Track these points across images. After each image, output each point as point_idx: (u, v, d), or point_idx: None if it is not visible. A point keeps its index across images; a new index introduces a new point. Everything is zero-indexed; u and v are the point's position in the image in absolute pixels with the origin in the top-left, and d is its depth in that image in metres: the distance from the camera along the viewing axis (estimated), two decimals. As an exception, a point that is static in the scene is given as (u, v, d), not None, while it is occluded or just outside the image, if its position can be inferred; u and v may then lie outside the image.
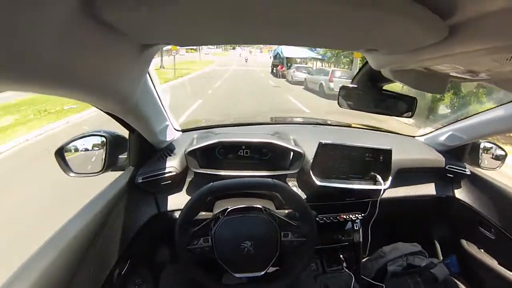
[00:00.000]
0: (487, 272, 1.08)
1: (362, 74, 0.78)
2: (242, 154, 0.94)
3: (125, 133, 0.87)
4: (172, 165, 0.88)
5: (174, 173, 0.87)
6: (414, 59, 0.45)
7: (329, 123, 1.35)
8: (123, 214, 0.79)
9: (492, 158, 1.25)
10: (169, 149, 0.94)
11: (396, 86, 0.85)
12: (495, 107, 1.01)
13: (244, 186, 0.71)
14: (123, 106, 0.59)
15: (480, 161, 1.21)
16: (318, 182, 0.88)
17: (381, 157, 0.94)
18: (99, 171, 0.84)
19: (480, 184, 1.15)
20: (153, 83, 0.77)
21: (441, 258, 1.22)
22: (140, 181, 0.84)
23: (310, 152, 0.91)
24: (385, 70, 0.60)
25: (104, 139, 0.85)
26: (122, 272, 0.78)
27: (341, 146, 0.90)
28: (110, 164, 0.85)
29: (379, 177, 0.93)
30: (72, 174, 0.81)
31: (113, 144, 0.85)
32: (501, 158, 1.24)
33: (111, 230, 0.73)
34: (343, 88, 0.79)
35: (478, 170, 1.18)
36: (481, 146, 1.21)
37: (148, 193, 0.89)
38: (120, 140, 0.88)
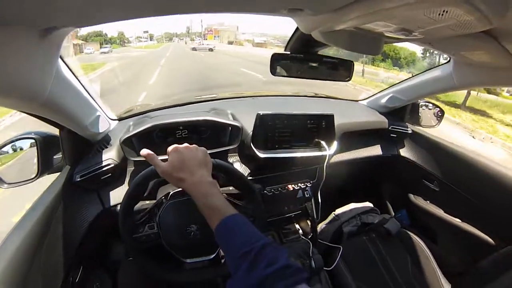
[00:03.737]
0: (435, 220, 1.17)
1: (294, 40, 0.76)
2: (181, 135, 0.90)
3: (57, 131, 0.80)
4: (109, 157, 0.83)
5: (112, 165, 0.82)
6: (341, 19, 0.44)
7: (267, 94, 1.35)
8: (66, 217, 0.73)
9: (431, 117, 1.35)
10: (105, 141, 0.88)
11: (332, 51, 0.85)
12: (431, 68, 1.07)
13: None
14: (34, 102, 0.53)
15: (420, 120, 1.30)
16: (260, 154, 0.87)
17: (323, 123, 0.96)
18: (34, 177, 0.76)
19: (421, 142, 1.23)
20: (72, 72, 0.70)
21: (393, 213, 1.30)
22: (79, 179, 0.78)
23: (249, 125, 0.89)
24: (315, 32, 0.58)
25: (33, 141, 0.77)
26: (77, 279, 0.73)
27: (280, 116, 0.89)
28: (45, 167, 0.78)
29: (323, 143, 0.94)
30: (5, 186, 0.73)
31: (44, 145, 0.77)
32: (439, 117, 1.34)
33: (56, 237, 0.67)
34: (275, 55, 0.77)
35: (418, 129, 1.27)
36: (420, 106, 1.29)
37: (90, 190, 0.82)
38: (52, 139, 0.80)
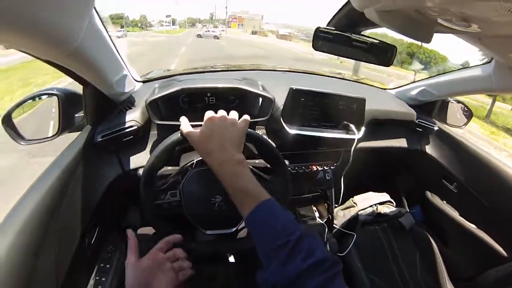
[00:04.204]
0: (448, 222, 1.15)
1: (341, 16, 0.72)
2: (208, 102, 0.87)
3: (80, 89, 0.77)
4: (133, 118, 0.80)
5: (135, 127, 0.79)
6: None
7: (298, 70, 1.30)
8: (85, 178, 0.71)
9: (459, 116, 1.31)
10: (129, 102, 0.85)
11: (375, 35, 0.81)
12: (472, 66, 1.02)
13: None
14: (64, 50, 0.49)
15: (447, 118, 1.26)
16: (289, 130, 0.84)
17: (354, 106, 0.92)
18: (54, 135, 0.74)
19: (446, 140, 1.19)
20: (103, 25, 0.66)
21: (407, 208, 1.28)
22: (100, 139, 0.76)
23: (280, 99, 0.85)
24: (369, 10, 0.54)
25: (56, 97, 0.74)
26: (92, 241, 0.72)
27: (313, 93, 0.86)
28: (65, 125, 0.75)
29: (352, 126, 0.91)
30: (23, 142, 0.71)
31: (66, 102, 0.75)
32: (467, 117, 1.29)
33: (74, 197, 0.66)
34: (319, 30, 0.73)
35: (445, 127, 1.23)
36: (450, 103, 1.25)
37: (111, 152, 0.80)
38: (75, 97, 0.78)
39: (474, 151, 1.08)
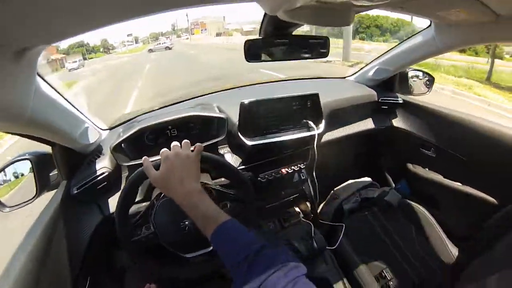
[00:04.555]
0: (435, 187, 1.16)
1: (265, 24, 0.75)
2: (170, 135, 0.90)
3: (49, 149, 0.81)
4: (103, 165, 0.83)
5: (106, 173, 0.82)
6: None
7: (251, 83, 1.33)
8: (68, 230, 0.74)
9: (421, 84, 1.33)
10: (97, 151, 0.88)
11: (307, 28, 0.83)
12: (414, 34, 1.05)
13: None
14: (18, 122, 0.53)
15: (411, 89, 1.28)
16: (248, 142, 0.86)
17: (308, 103, 0.94)
18: (34, 197, 0.77)
19: (413, 110, 1.21)
20: (53, 88, 0.70)
21: (393, 185, 1.29)
22: (76, 191, 0.78)
23: (236, 115, 0.89)
24: (280, 13, 0.57)
25: (29, 161, 0.77)
26: None
27: (263, 101, 0.88)
28: (43, 185, 0.79)
29: (311, 123, 0.93)
30: (7, 210, 0.74)
31: (40, 164, 0.78)
32: (430, 83, 1.32)
33: (60, 251, 0.68)
34: (248, 42, 0.75)
35: (410, 98, 1.24)
36: (409, 74, 1.27)
37: (89, 202, 0.83)
38: (46, 157, 0.81)
39: (442, 112, 1.10)
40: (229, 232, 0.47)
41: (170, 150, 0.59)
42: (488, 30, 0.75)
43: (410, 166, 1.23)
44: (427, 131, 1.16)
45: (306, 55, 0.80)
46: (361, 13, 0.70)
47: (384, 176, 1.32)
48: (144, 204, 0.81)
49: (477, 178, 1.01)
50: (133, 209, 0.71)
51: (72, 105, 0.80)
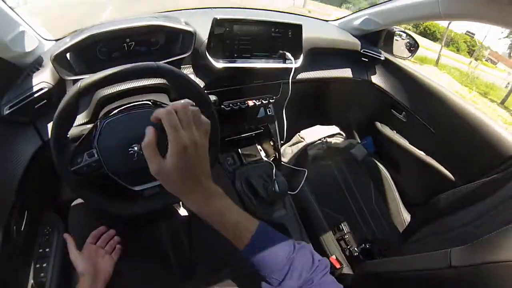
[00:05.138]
0: (399, 150, 1.19)
1: None
2: (128, 49, 0.76)
3: None
4: (42, 79, 0.67)
5: (46, 89, 0.66)
6: None
7: (232, 6, 1.20)
8: None
9: (405, 47, 1.30)
10: (37, 63, 0.71)
11: None
12: None
13: (118, 74, 0.53)
14: None
15: (393, 49, 1.24)
16: (216, 64, 0.76)
17: (290, 33, 0.86)
18: None
19: (393, 70, 1.18)
20: None
21: (358, 139, 1.30)
22: (8, 111, 0.63)
23: (205, 34, 0.77)
24: None
25: None
26: (22, 228, 0.65)
27: (239, 20, 0.78)
28: None
29: (289, 55, 0.86)
30: None
31: None
32: (413, 49, 1.29)
33: None
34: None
35: (391, 57, 1.21)
36: (396, 34, 1.22)
37: (24, 124, 0.69)
38: None
39: (421, 79, 1.08)
40: (266, 238, 0.43)
41: None
42: (497, 8, 0.69)
43: (378, 124, 1.24)
44: (403, 94, 1.15)
45: None
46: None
47: (350, 129, 1.32)
48: (89, 126, 0.69)
49: (440, 152, 1.04)
50: (74, 131, 0.59)
51: (5, 2, 0.62)
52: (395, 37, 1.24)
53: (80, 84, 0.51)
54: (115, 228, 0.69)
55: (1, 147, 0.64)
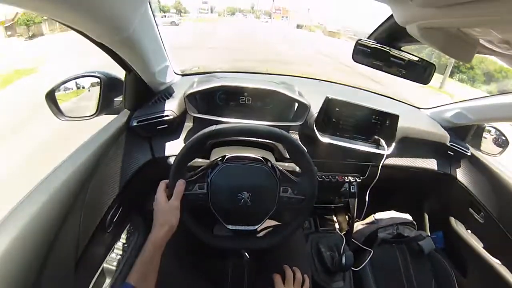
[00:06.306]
0: (470, 253, 1.10)
1: (383, 30, 0.73)
2: (244, 102, 0.89)
3: (122, 75, 0.81)
4: (170, 108, 0.82)
5: (171, 117, 0.82)
6: (447, 15, 0.39)
7: (334, 81, 1.29)
8: (116, 158, 0.75)
9: (494, 144, 1.24)
10: (168, 92, 0.88)
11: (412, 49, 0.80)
12: (510, 92, 0.98)
13: (249, 132, 0.63)
14: (117, 35, 0.53)
15: (481, 145, 1.20)
16: (321, 138, 0.84)
17: (387, 122, 0.91)
18: (92, 115, 0.79)
19: (478, 167, 1.14)
20: (153, 16, 0.69)
21: (429, 232, 1.24)
22: (135, 124, 0.79)
23: (314, 106, 0.86)
24: (412, 26, 0.54)
25: (98, 80, 0.79)
26: (114, 219, 0.75)
27: (348, 104, 0.86)
28: (104, 107, 0.80)
29: (383, 142, 0.90)
30: (63, 118, 0.77)
31: (108, 86, 0.80)
32: (503, 146, 1.23)
33: (104, 175, 0.69)
34: (359, 42, 0.74)
35: (479, 153, 1.17)
36: (486, 130, 1.19)
37: (143, 138, 0.84)
38: (116, 82, 0.82)
39: (507, 181, 1.02)
40: None
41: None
42: None
43: (452, 220, 1.17)
44: (484, 194, 1.08)
45: (409, 76, 0.77)
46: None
47: (423, 220, 1.27)
48: (202, 160, 0.81)
49: None
50: (191, 162, 0.68)
51: (162, 41, 0.81)
52: (484, 133, 1.21)
53: (214, 129, 0.61)
54: (193, 251, 0.76)
55: (122, 150, 0.76)
